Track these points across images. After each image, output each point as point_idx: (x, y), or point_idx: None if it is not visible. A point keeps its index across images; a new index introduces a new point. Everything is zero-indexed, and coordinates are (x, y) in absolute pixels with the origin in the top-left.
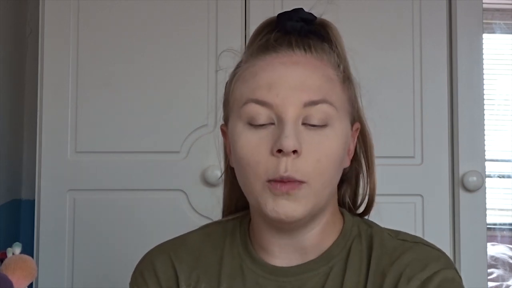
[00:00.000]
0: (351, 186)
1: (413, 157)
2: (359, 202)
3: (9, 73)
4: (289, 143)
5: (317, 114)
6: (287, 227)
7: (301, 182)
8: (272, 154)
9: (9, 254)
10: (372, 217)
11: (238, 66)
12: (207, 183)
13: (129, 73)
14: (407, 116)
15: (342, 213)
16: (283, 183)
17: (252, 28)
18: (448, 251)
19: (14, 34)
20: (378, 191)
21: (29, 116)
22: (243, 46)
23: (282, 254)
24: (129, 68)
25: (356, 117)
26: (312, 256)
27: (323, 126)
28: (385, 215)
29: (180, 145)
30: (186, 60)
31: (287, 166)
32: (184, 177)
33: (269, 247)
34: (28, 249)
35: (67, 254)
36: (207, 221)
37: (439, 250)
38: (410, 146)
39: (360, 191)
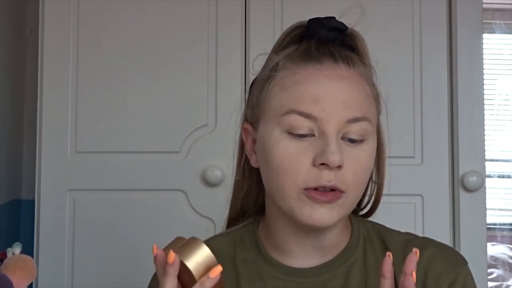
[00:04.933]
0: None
1: (413, 157)
2: (365, 203)
3: (9, 73)
4: (335, 159)
5: (357, 130)
6: (313, 230)
7: (342, 192)
8: (313, 165)
9: (9, 254)
10: (372, 217)
11: (274, 70)
12: (207, 183)
13: (129, 73)
14: (407, 116)
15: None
16: (324, 194)
17: (252, 28)
18: None
19: (14, 34)
20: None
21: (29, 116)
22: (243, 47)
23: (301, 254)
24: (129, 68)
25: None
26: (329, 256)
27: (361, 141)
28: (385, 215)
29: (180, 145)
30: (186, 60)
31: (330, 177)
32: (184, 177)
33: (288, 248)
34: (28, 249)
35: (67, 254)
36: (207, 221)
37: (450, 246)
38: (410, 146)
39: (368, 192)
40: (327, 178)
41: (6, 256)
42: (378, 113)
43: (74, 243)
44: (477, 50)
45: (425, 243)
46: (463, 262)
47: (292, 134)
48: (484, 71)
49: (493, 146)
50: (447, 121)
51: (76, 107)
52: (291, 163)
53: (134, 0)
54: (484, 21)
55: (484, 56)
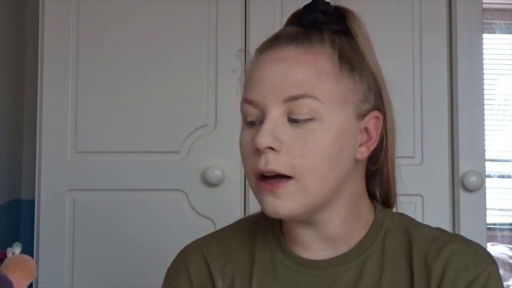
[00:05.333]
0: (380, 177)
1: (413, 157)
2: (380, 192)
3: (9, 73)
4: (261, 141)
5: (299, 109)
6: (296, 220)
7: (288, 178)
8: (254, 152)
9: (9, 254)
10: None
11: (250, 62)
12: (207, 183)
13: (129, 73)
14: (407, 116)
15: (374, 205)
16: (267, 183)
17: (252, 28)
18: None
19: (14, 34)
20: None
21: (29, 116)
22: (243, 47)
23: (311, 246)
24: (129, 68)
25: (372, 106)
26: (344, 248)
27: (309, 120)
28: None
29: (180, 145)
30: (186, 60)
31: (267, 161)
32: (184, 177)
33: (299, 239)
34: (28, 249)
35: (67, 254)
36: (207, 221)
37: (478, 244)
38: (410, 146)
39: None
40: (262, 162)
41: (6, 256)
42: (358, 90)
43: (74, 243)
44: (477, 50)
45: (449, 239)
46: (489, 261)
47: (246, 122)
48: (484, 71)
49: (493, 146)
50: (447, 121)
51: (76, 107)
52: (244, 150)
53: (134, 0)
54: (484, 21)
55: (484, 56)
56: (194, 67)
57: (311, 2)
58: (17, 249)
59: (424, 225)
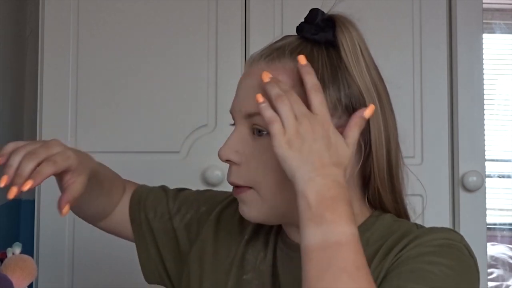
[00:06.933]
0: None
1: (413, 157)
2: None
3: (9, 73)
4: (220, 154)
5: (257, 123)
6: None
7: (248, 187)
8: None
9: (9, 254)
10: None
11: None
12: (207, 183)
13: (129, 73)
14: (407, 116)
15: (372, 211)
16: (235, 189)
17: (252, 28)
18: None
19: (14, 34)
20: None
21: (29, 116)
22: (243, 47)
23: (297, 239)
24: (129, 68)
25: (344, 121)
26: None
27: (266, 134)
28: None
29: (180, 145)
30: (186, 60)
31: (229, 173)
32: (184, 177)
33: (288, 231)
34: (28, 249)
35: (67, 254)
36: None
37: (447, 229)
38: (410, 146)
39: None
40: (228, 175)
41: (6, 256)
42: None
43: (74, 243)
44: (477, 50)
45: (422, 227)
46: (431, 230)
47: None
48: (484, 71)
49: (493, 146)
50: (447, 121)
51: (76, 107)
52: None
53: (134, 0)
54: (484, 21)
55: (484, 56)
56: (194, 67)
57: (309, 12)
58: (17, 249)
59: (414, 225)
